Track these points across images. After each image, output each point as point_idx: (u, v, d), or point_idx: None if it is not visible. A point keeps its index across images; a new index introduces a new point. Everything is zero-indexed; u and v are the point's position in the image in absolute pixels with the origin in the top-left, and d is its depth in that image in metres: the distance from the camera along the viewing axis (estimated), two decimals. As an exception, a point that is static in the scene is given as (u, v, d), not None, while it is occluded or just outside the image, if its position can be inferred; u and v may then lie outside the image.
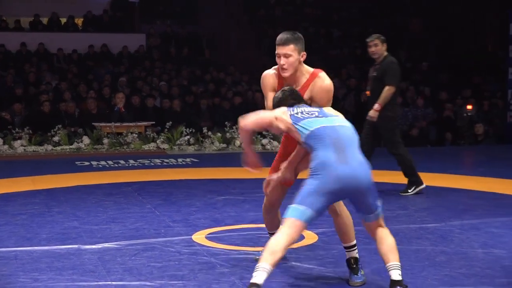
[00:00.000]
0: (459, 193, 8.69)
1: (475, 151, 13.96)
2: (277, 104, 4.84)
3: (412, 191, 8.55)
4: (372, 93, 8.61)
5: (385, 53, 8.54)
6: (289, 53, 4.86)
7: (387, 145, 8.73)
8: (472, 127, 15.04)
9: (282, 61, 4.87)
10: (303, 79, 4.97)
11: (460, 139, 15.50)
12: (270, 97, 4.99)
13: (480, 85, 18.50)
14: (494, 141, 15.02)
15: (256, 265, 4.32)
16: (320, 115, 4.69)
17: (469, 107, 15.96)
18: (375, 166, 5.50)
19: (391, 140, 8.60)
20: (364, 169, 4.50)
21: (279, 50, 4.88)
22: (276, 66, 5.07)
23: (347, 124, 4.71)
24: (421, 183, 8.61)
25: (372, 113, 8.45)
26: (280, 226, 4.52)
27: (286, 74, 4.91)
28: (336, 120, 4.70)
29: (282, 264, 5.41)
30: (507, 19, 15.25)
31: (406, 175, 8.65)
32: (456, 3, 22.16)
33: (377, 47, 8.49)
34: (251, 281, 4.25)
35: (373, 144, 8.74)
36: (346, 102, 17.05)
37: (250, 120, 4.72)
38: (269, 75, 5.07)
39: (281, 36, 4.92)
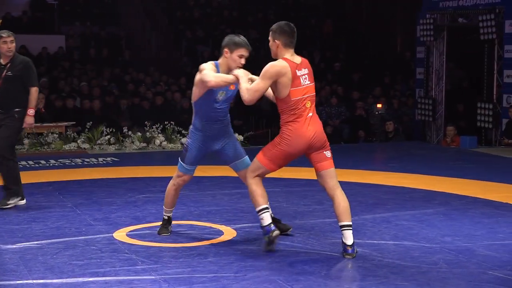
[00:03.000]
0: (371, 188, 8.95)
1: (386, 148, 14.32)
2: None
3: (12, 202, 7.68)
4: (4, 94, 7.69)
5: (15, 52, 7.82)
6: None
7: (2, 147, 7.67)
8: (383, 125, 15.44)
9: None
10: None
11: (372, 136, 15.90)
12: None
13: (390, 84, 18.94)
14: (403, 138, 15.46)
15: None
16: None
17: (379, 105, 16.31)
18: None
19: (11, 143, 7.78)
20: None
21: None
22: None
23: None
24: (23, 198, 7.83)
25: (31, 120, 7.86)
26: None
27: None
28: None
29: (202, 260, 5.57)
30: (415, 22, 15.78)
31: (7, 185, 7.74)
32: (367, 6, 22.65)
33: (13, 44, 7.71)
34: None
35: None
36: (262, 101, 17.21)
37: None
38: None
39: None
